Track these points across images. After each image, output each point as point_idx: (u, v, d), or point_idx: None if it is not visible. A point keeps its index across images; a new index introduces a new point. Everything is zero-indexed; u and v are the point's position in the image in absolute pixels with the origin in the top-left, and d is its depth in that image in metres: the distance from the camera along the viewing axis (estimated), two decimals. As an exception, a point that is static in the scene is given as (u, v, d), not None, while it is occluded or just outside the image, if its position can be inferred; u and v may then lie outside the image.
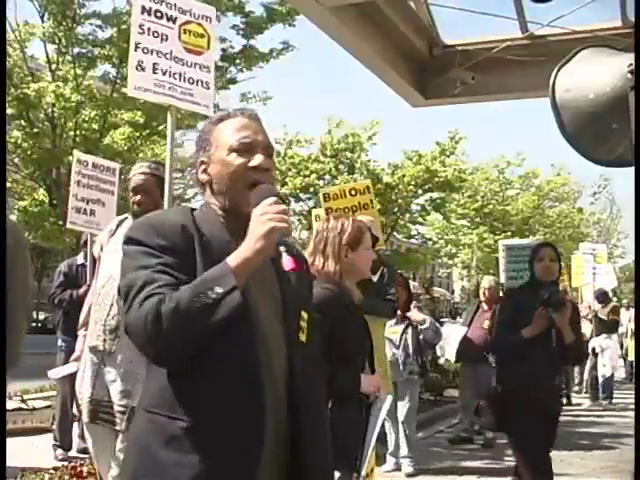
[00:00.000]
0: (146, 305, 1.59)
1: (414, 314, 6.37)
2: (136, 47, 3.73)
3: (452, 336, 7.95)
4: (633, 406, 3.41)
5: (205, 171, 1.89)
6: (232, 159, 1.83)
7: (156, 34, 3.79)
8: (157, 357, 1.66)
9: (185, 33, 3.90)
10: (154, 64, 3.74)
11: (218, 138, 1.88)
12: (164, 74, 3.77)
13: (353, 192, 6.22)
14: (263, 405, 1.63)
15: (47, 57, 14.32)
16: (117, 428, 3.43)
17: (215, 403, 1.62)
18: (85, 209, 5.29)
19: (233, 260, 1.65)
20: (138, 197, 3.64)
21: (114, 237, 3.66)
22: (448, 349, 7.92)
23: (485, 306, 7.96)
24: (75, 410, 4.80)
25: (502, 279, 9.93)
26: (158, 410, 1.65)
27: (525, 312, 4.00)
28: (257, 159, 1.82)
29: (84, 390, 3.47)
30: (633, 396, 3.43)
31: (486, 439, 7.63)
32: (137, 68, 3.71)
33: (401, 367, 6.13)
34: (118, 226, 3.72)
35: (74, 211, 5.27)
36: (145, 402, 1.73)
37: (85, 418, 3.53)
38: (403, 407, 6.19)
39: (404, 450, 6.22)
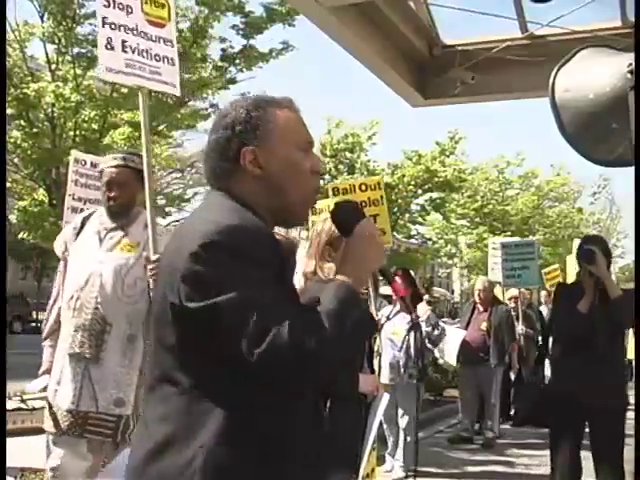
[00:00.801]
0: (286, 338, 1.36)
1: (420, 307, 6.19)
2: (103, 23, 3.38)
3: (451, 339, 7.73)
4: (633, 406, 3.43)
5: (256, 163, 1.60)
6: (300, 159, 1.63)
7: (121, 6, 3.43)
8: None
9: (146, 3, 3.53)
10: (123, 41, 3.41)
11: (281, 128, 1.62)
12: (133, 52, 3.43)
13: (363, 187, 6.08)
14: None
15: (47, 57, 14.33)
16: (107, 439, 3.20)
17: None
18: (82, 209, 5.20)
19: (350, 279, 1.52)
20: (113, 192, 3.37)
21: (83, 234, 3.44)
22: (447, 352, 7.79)
23: (480, 307, 7.91)
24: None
25: (498, 277, 9.87)
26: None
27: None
28: (319, 164, 1.68)
29: (61, 402, 3.21)
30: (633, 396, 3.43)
31: (486, 439, 7.64)
32: (106, 47, 3.36)
33: (402, 370, 5.95)
34: (84, 223, 3.48)
35: (70, 211, 5.20)
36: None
37: (51, 429, 3.24)
38: (403, 416, 6.09)
39: (399, 453, 6.19)
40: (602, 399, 3.88)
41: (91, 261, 3.33)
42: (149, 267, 3.16)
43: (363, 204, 5.91)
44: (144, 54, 3.47)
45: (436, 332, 6.10)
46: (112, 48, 3.36)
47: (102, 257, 3.33)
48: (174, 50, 3.62)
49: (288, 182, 1.60)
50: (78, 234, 3.47)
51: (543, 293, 11.54)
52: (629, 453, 5.83)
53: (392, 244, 25.11)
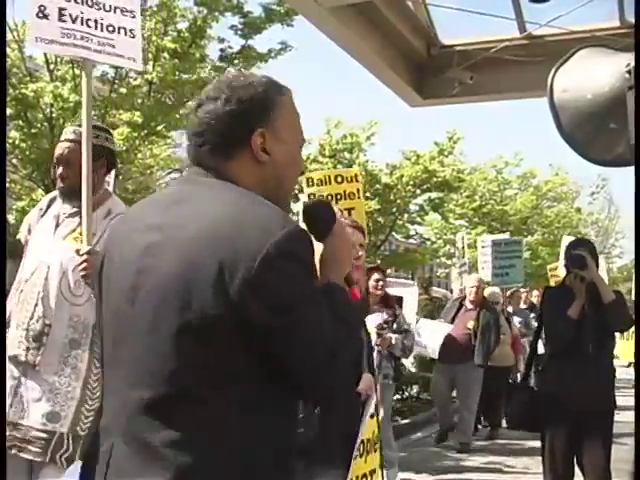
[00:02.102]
0: (348, 352, 1.39)
1: (381, 341, 5.51)
2: None
3: (436, 331, 7.45)
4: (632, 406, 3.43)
5: (263, 148, 1.48)
6: (300, 156, 1.59)
7: None
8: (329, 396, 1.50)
9: None
10: (60, 9, 3.03)
11: (289, 117, 1.53)
12: (74, 21, 3.05)
13: (339, 179, 5.90)
14: None
15: (45, 57, 14.29)
16: (35, 458, 2.73)
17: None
18: None
19: (339, 283, 1.50)
20: (60, 170, 3.09)
21: (45, 217, 3.09)
22: (430, 344, 7.39)
23: (469, 305, 7.62)
24: None
25: (487, 276, 9.81)
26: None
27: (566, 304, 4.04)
28: (304, 164, 1.68)
29: None
30: (633, 396, 3.43)
31: (461, 444, 7.45)
32: (38, 15, 2.99)
33: (376, 371, 5.81)
34: (49, 205, 3.16)
35: None
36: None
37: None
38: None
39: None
40: (590, 402, 3.89)
41: (42, 250, 2.97)
42: (79, 260, 2.75)
43: (338, 196, 5.77)
44: (90, 24, 3.10)
45: (407, 342, 5.71)
46: (45, 17, 3.00)
47: (53, 246, 2.96)
48: (135, 21, 3.25)
49: (285, 174, 1.52)
50: (42, 216, 3.12)
51: (535, 292, 11.39)
52: (629, 453, 5.83)
53: (390, 244, 24.94)
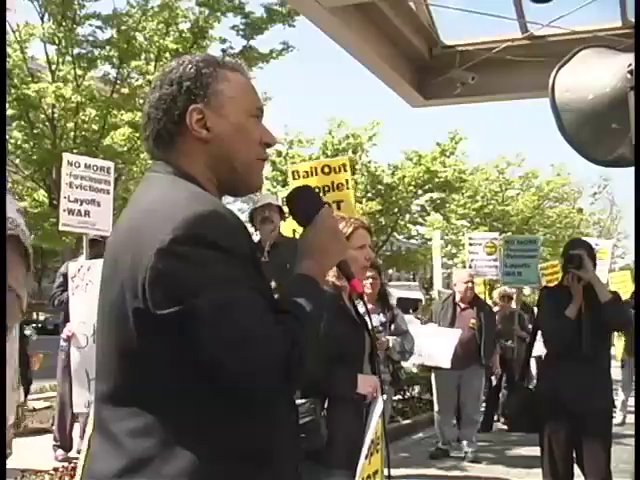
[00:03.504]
0: (276, 341, 1.29)
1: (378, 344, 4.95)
2: None
3: (442, 340, 6.81)
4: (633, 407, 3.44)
5: (203, 123, 1.44)
6: (251, 126, 1.49)
7: None
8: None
9: None
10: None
11: (230, 90, 1.47)
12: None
13: (327, 169, 5.61)
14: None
15: (47, 58, 14.32)
16: None
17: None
18: (79, 210, 5.25)
19: (313, 274, 1.44)
20: None
21: None
22: (439, 355, 6.77)
23: (462, 304, 7.07)
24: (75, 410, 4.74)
25: (496, 275, 9.68)
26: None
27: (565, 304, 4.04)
28: (270, 135, 1.53)
29: None
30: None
31: (472, 453, 7.00)
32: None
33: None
34: None
35: (66, 213, 5.23)
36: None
37: None
38: None
39: None
40: (589, 402, 3.88)
41: None
42: None
43: (326, 188, 5.52)
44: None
45: (406, 345, 5.30)
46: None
47: None
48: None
49: (235, 148, 1.46)
50: None
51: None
52: (629, 453, 5.83)
53: (392, 245, 24.92)
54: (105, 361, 1.42)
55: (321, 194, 5.34)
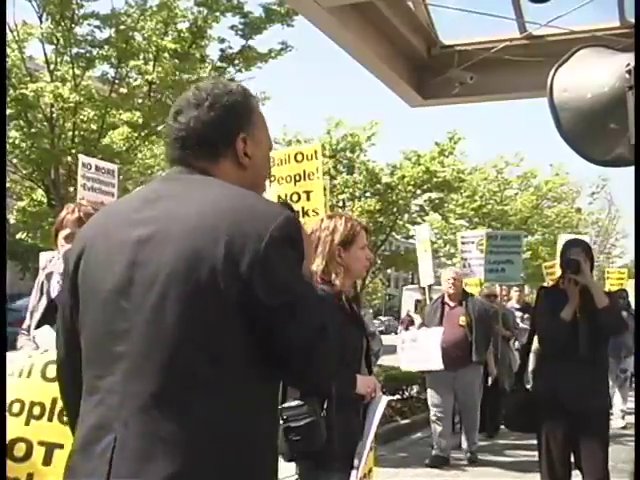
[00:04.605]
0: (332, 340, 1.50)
1: None
2: None
3: (425, 342, 6.55)
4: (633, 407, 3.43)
5: (245, 152, 1.56)
6: (270, 159, 1.68)
7: None
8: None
9: None
10: None
11: (261, 121, 1.62)
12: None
13: (299, 157, 5.59)
14: None
15: (45, 57, 14.30)
16: None
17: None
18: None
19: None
20: None
21: None
22: (425, 358, 6.50)
23: (451, 303, 6.80)
24: None
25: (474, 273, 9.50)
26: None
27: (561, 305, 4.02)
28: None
29: None
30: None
31: (472, 454, 6.85)
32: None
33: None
34: None
35: None
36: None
37: None
38: None
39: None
40: (587, 401, 3.88)
41: None
42: None
43: (297, 177, 5.54)
44: None
45: (373, 346, 5.19)
46: None
47: None
48: None
49: (262, 176, 1.62)
50: None
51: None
52: (629, 453, 5.84)
53: (391, 245, 24.86)
54: (156, 358, 1.37)
55: (292, 184, 5.47)
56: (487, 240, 9.11)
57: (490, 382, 7.87)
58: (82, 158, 5.55)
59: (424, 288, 10.15)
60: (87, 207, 2.84)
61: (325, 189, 5.97)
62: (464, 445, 6.98)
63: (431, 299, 8.29)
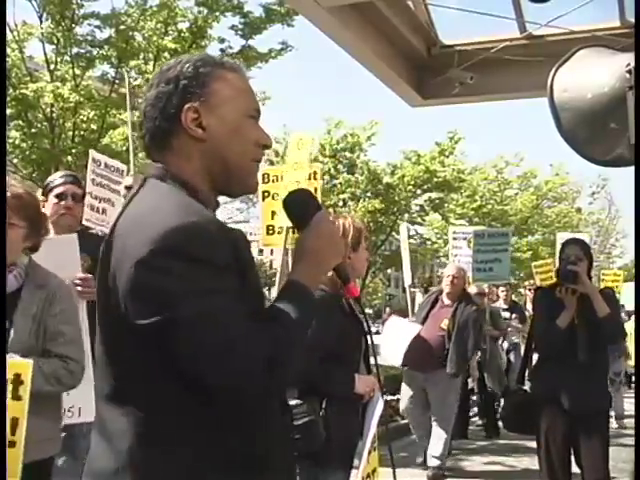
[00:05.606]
0: (257, 346, 1.28)
1: None
2: None
3: (397, 334, 6.13)
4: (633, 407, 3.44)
5: (198, 122, 1.43)
6: (247, 127, 1.47)
7: None
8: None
9: None
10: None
11: (227, 90, 1.46)
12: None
13: (296, 183, 5.58)
14: None
15: (45, 57, 14.29)
16: None
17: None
18: (98, 207, 5.39)
19: (305, 280, 1.43)
20: None
21: None
22: (390, 350, 6.07)
23: (445, 300, 6.33)
24: None
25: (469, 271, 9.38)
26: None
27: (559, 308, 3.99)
28: (266, 137, 1.51)
29: None
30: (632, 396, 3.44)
31: (433, 470, 6.18)
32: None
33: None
34: None
35: (89, 209, 5.36)
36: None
37: None
38: None
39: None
40: (586, 401, 3.87)
41: None
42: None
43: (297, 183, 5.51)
44: None
45: None
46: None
47: None
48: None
49: (230, 148, 1.44)
50: None
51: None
52: (629, 453, 5.84)
53: (391, 244, 24.88)
54: (102, 359, 1.44)
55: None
56: (474, 239, 8.87)
57: (470, 385, 7.58)
58: (93, 154, 5.63)
59: (425, 288, 10.11)
60: (15, 187, 2.68)
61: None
62: (428, 459, 6.27)
63: (413, 300, 8.07)
